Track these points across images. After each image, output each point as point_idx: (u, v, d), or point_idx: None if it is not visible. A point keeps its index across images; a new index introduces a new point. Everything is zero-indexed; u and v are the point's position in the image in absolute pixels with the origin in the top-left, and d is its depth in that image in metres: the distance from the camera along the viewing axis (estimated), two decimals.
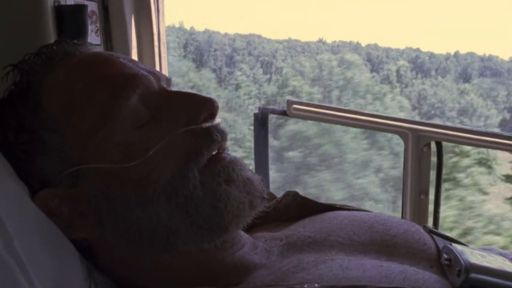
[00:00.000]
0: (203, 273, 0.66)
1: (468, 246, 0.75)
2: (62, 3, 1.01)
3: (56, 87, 0.65)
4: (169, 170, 0.62)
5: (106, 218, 0.64)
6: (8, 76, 0.69)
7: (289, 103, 1.58)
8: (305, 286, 0.59)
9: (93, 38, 1.16)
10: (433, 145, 1.47)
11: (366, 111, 1.54)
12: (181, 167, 0.62)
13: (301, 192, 0.84)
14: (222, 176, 0.64)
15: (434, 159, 1.48)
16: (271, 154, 1.71)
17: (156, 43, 1.35)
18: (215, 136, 0.65)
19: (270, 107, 1.67)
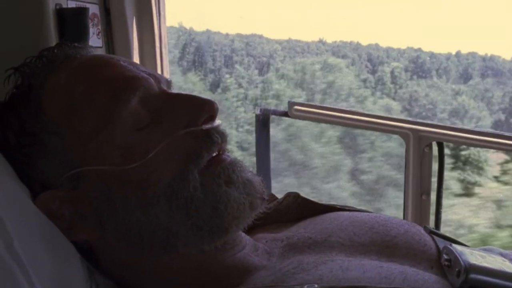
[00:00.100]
0: (204, 275, 0.66)
1: (468, 246, 0.75)
2: (64, 6, 1.01)
3: (57, 90, 0.66)
4: (169, 172, 0.62)
5: (107, 220, 0.64)
6: (10, 79, 0.69)
7: (291, 104, 1.58)
8: (305, 287, 0.59)
9: (95, 40, 1.17)
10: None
11: (367, 112, 1.54)
12: (181, 169, 0.63)
13: None
14: (222, 178, 0.64)
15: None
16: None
17: (157, 44, 1.36)
18: (215, 138, 0.65)
19: (272, 108, 1.67)
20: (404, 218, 1.49)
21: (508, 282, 0.62)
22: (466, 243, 0.78)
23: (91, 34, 1.11)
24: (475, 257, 0.65)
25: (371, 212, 0.83)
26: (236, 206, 0.64)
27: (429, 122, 1.48)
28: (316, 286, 0.59)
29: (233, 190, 0.64)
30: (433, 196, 1.47)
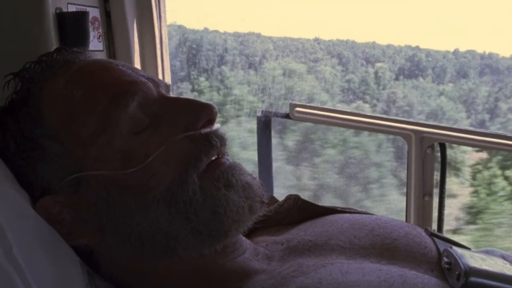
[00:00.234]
0: (204, 279, 0.66)
1: (469, 249, 0.74)
2: (64, 10, 1.01)
3: (56, 95, 0.66)
4: (169, 176, 0.63)
5: (107, 225, 0.64)
6: (9, 84, 0.69)
7: (292, 106, 1.58)
8: None
9: (96, 44, 1.17)
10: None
11: (369, 113, 1.54)
12: (180, 173, 0.63)
13: None
14: (221, 181, 0.64)
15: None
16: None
17: (158, 46, 1.36)
18: (214, 142, 0.65)
19: (273, 110, 1.67)
20: (406, 219, 1.49)
21: (508, 285, 0.62)
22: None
23: (92, 37, 1.11)
24: (475, 260, 0.64)
25: (372, 214, 0.82)
26: (235, 210, 0.64)
27: (431, 123, 1.47)
28: None
29: (232, 194, 0.64)
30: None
